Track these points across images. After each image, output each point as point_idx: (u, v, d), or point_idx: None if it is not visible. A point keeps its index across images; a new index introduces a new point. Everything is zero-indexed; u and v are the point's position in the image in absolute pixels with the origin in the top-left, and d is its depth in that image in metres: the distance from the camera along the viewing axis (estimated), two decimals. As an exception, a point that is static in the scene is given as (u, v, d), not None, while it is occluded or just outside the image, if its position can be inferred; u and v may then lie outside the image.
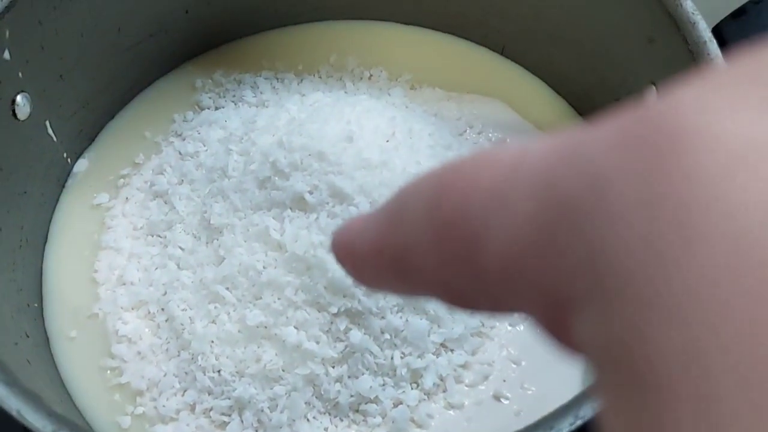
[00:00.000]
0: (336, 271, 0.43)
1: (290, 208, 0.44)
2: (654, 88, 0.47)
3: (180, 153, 0.54)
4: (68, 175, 0.53)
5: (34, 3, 0.45)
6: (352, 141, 0.45)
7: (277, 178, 0.45)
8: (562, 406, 0.30)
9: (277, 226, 0.44)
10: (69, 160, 0.53)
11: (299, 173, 0.45)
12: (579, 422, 0.29)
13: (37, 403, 0.30)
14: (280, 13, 0.60)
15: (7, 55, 0.44)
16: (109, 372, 0.46)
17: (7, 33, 0.43)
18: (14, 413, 0.30)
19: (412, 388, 0.44)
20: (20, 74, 0.46)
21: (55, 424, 0.30)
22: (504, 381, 0.45)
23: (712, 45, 0.41)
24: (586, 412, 0.29)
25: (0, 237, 0.44)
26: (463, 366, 0.45)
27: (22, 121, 0.47)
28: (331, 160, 0.44)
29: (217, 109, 0.56)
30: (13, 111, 0.46)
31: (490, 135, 0.55)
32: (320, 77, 0.59)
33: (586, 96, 0.56)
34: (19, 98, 0.46)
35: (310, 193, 0.44)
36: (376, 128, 0.47)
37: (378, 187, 0.44)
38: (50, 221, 0.51)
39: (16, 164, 0.47)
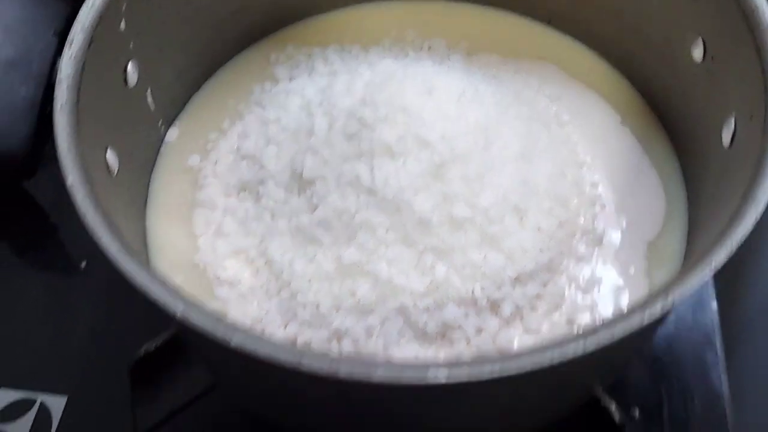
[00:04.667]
0: (423, 212, 0.48)
1: (378, 156, 0.49)
2: (702, 40, 0.52)
3: (262, 120, 0.58)
4: (161, 142, 0.58)
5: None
6: (431, 95, 0.50)
7: (364, 131, 0.50)
8: (652, 293, 0.35)
9: (367, 173, 0.49)
10: (163, 128, 0.58)
11: (385, 125, 0.49)
12: (669, 306, 0.34)
13: (196, 307, 0.35)
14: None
15: (123, 25, 0.49)
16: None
17: (124, 5, 0.48)
18: (178, 315, 0.34)
19: (492, 317, 0.49)
20: (131, 44, 0.51)
21: (214, 322, 0.34)
22: (575, 309, 0.50)
23: (760, -4, 0.45)
24: (675, 297, 0.34)
25: (119, 190, 0.49)
26: (537, 296, 0.50)
27: (131, 88, 0.52)
28: (414, 113, 0.49)
29: (291, 80, 0.61)
30: (125, 78, 0.51)
31: (546, 92, 0.60)
32: (384, 48, 0.63)
33: (631, 57, 0.61)
34: (129, 66, 0.51)
35: (397, 142, 0.49)
36: (449, 86, 0.52)
37: (457, 136, 0.49)
38: (148, 184, 0.56)
39: (127, 127, 0.51)
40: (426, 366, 0.32)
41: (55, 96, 0.43)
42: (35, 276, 0.66)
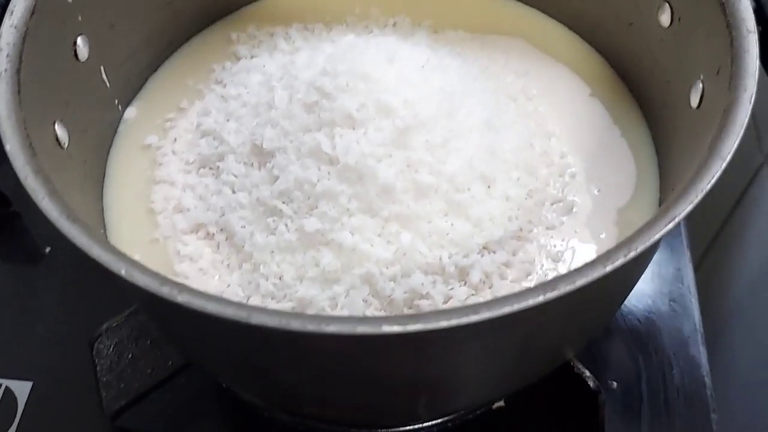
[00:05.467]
0: (386, 179, 0.46)
1: (339, 126, 0.48)
2: (668, 5, 0.51)
3: (223, 97, 0.57)
4: (119, 121, 0.57)
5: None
6: (393, 62, 0.49)
7: (324, 101, 0.48)
8: (615, 246, 0.34)
9: (328, 142, 0.47)
10: (120, 107, 0.57)
11: (346, 94, 0.48)
12: (632, 254, 0.33)
13: (140, 265, 0.33)
14: (306, -29, 0.64)
15: (69, -3, 0.48)
16: (174, 290, 0.49)
17: (70, -26, 0.47)
18: (122, 273, 0.33)
19: (460, 285, 0.47)
20: (80, 17, 0.49)
21: (159, 280, 0.33)
22: (546, 277, 0.48)
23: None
24: (639, 245, 0.33)
25: (71, 163, 0.47)
26: (506, 264, 0.48)
27: (82, 62, 0.50)
28: (375, 80, 0.48)
29: (253, 57, 0.60)
30: (75, 52, 0.49)
31: (513, 67, 0.59)
32: (347, 25, 0.62)
33: (600, 28, 0.60)
34: (79, 40, 0.50)
35: (358, 110, 0.47)
36: (411, 55, 0.51)
37: (420, 102, 0.48)
38: (105, 163, 0.55)
39: (79, 102, 0.50)
40: (380, 319, 0.31)
41: (-5, 64, 0.42)
42: (-1, 262, 0.65)
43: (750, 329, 0.70)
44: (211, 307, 0.31)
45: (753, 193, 0.72)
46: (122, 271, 0.33)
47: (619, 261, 0.33)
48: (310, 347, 0.35)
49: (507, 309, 0.31)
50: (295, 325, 0.31)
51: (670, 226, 0.34)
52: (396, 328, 0.31)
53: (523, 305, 0.31)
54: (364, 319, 0.31)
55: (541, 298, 0.31)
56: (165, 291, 0.32)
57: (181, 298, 0.32)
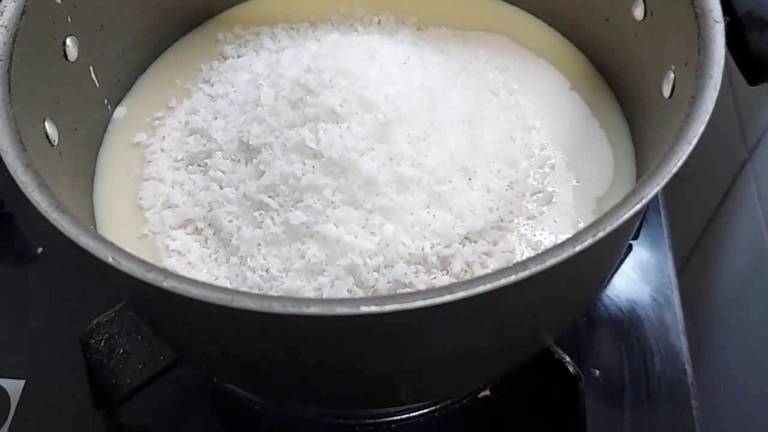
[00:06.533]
0: (369, 172, 0.47)
1: (323, 121, 0.49)
2: (642, 2, 0.52)
3: (210, 96, 0.58)
4: (109, 120, 0.58)
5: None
6: (375, 59, 0.50)
7: (308, 97, 0.50)
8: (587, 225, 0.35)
9: (312, 137, 0.49)
10: (109, 107, 0.58)
11: (329, 90, 0.49)
12: (601, 234, 0.34)
13: (127, 253, 0.35)
14: (291, -28, 0.66)
15: (58, -2, 0.49)
16: (163, 283, 0.50)
17: (59, -23, 0.48)
18: (110, 260, 0.34)
19: (442, 274, 0.48)
20: (69, 18, 0.50)
21: (146, 267, 0.34)
22: (525, 265, 0.50)
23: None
24: (607, 226, 0.34)
25: (62, 160, 0.48)
26: (487, 254, 0.50)
27: (72, 62, 0.51)
28: (357, 76, 0.49)
29: (239, 57, 0.61)
30: (64, 52, 0.51)
31: (495, 63, 0.60)
32: (332, 24, 0.64)
33: (579, 24, 0.61)
34: (68, 41, 0.51)
35: (341, 105, 0.49)
36: (393, 53, 0.52)
37: (401, 97, 0.49)
38: (95, 160, 0.56)
39: (68, 101, 0.51)
40: (358, 300, 0.32)
41: (-15, 62, 0.43)
42: (-9, 263, 0.66)
43: (736, 326, 0.71)
44: (196, 292, 0.32)
45: (738, 189, 0.73)
46: (109, 258, 0.34)
47: (588, 241, 0.34)
48: (292, 331, 0.36)
49: (481, 288, 0.32)
50: (277, 307, 0.32)
51: (638, 207, 0.35)
52: (373, 308, 0.32)
53: (496, 284, 0.32)
54: (343, 301, 0.32)
55: (513, 278, 0.33)
56: (151, 277, 0.33)
57: (167, 284, 0.33)
